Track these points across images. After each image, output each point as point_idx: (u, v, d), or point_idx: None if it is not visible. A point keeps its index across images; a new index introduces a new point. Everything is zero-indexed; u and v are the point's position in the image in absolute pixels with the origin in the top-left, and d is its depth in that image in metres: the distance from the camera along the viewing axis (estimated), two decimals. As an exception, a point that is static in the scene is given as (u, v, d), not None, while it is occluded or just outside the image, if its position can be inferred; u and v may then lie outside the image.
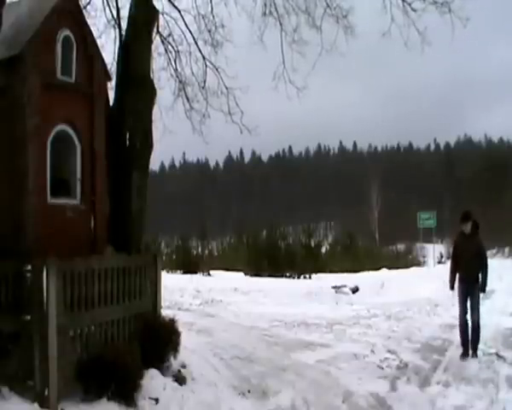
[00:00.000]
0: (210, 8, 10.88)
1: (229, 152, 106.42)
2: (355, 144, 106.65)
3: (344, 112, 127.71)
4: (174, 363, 6.83)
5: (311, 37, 10.68)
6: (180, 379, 6.56)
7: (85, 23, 6.80)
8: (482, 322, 11.61)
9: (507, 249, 54.98)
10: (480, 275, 8.67)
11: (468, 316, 8.87)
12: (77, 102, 6.53)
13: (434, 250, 33.10)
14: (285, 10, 10.57)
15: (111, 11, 9.97)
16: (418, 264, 35.21)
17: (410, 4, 9.87)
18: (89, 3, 10.06)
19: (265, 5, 10.62)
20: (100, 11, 10.16)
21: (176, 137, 12.44)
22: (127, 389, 5.60)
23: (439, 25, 9.94)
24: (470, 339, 8.76)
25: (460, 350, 8.95)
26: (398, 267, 26.62)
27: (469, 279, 8.71)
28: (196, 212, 74.44)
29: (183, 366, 6.96)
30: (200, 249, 33.53)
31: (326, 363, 8.35)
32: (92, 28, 7.40)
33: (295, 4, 10.45)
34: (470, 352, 8.66)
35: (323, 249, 33.13)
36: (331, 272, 26.17)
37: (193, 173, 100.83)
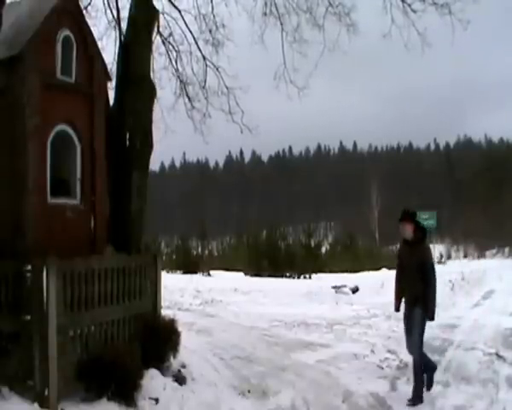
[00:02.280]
0: (210, 8, 10.94)
1: (230, 152, 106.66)
2: (355, 144, 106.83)
3: (344, 112, 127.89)
4: (174, 363, 6.84)
5: (313, 36, 10.74)
6: (180, 379, 6.56)
7: (85, 23, 6.80)
8: (482, 322, 11.64)
9: (507, 249, 55.01)
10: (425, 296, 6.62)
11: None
12: (77, 102, 6.53)
13: (434, 250, 33.11)
14: (286, 10, 10.61)
15: (111, 12, 10.03)
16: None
17: (410, 5, 9.88)
18: (89, 4, 10.11)
19: (266, 5, 10.66)
20: (100, 12, 10.22)
21: (176, 137, 12.48)
22: (127, 389, 5.60)
23: (440, 26, 9.95)
24: (415, 377, 6.78)
25: (459, 351, 8.95)
26: (398, 267, 26.59)
27: (410, 301, 6.76)
28: (196, 212, 74.44)
29: (183, 366, 6.96)
30: (200, 249, 33.54)
31: (326, 363, 8.35)
32: (93, 29, 7.43)
33: (296, 4, 10.49)
34: (424, 389, 6.74)
35: (323, 249, 33.15)
36: (331, 272, 26.17)
37: (193, 173, 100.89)
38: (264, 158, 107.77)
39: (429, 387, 6.83)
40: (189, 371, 6.93)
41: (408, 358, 8.61)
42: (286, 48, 10.93)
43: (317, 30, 10.56)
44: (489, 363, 8.25)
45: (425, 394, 6.68)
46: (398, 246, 7.41)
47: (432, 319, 6.65)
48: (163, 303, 7.38)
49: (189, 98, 11.37)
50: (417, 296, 6.63)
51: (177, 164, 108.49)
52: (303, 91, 11.30)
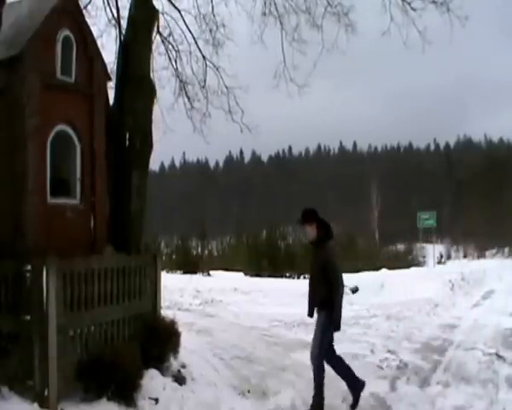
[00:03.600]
0: (210, 8, 10.97)
1: (230, 152, 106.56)
2: (355, 144, 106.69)
3: (344, 112, 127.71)
4: (174, 363, 6.84)
5: (312, 36, 10.74)
6: (180, 379, 6.56)
7: (85, 23, 6.81)
8: (482, 322, 11.62)
9: (507, 249, 54.98)
10: (329, 300, 6.06)
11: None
12: (77, 102, 6.53)
13: (434, 250, 33.10)
14: (285, 10, 10.64)
15: (111, 11, 10.04)
16: (418, 264, 35.18)
17: (409, 3, 9.88)
18: (89, 3, 10.13)
19: (265, 4, 10.68)
20: (100, 11, 10.23)
21: (176, 137, 12.49)
22: (127, 389, 5.61)
23: (439, 25, 9.97)
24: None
25: (459, 351, 8.95)
26: (398, 267, 26.59)
27: (312, 306, 6.32)
28: (196, 212, 74.36)
29: (183, 366, 6.96)
30: (200, 249, 33.50)
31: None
32: (93, 28, 7.46)
33: (295, 3, 10.50)
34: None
35: (323, 249, 33.03)
36: (331, 272, 26.10)
37: (193, 173, 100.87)
38: (264, 158, 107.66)
39: (354, 406, 6.27)
40: (188, 371, 6.93)
41: (408, 358, 8.65)
42: (285, 46, 10.98)
43: (316, 30, 10.59)
44: (489, 363, 8.25)
45: (425, 394, 6.68)
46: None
47: (337, 328, 6.10)
48: (163, 303, 7.38)
49: (188, 98, 11.41)
50: (322, 300, 6.13)
51: (177, 164, 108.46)
52: (303, 89, 11.36)
